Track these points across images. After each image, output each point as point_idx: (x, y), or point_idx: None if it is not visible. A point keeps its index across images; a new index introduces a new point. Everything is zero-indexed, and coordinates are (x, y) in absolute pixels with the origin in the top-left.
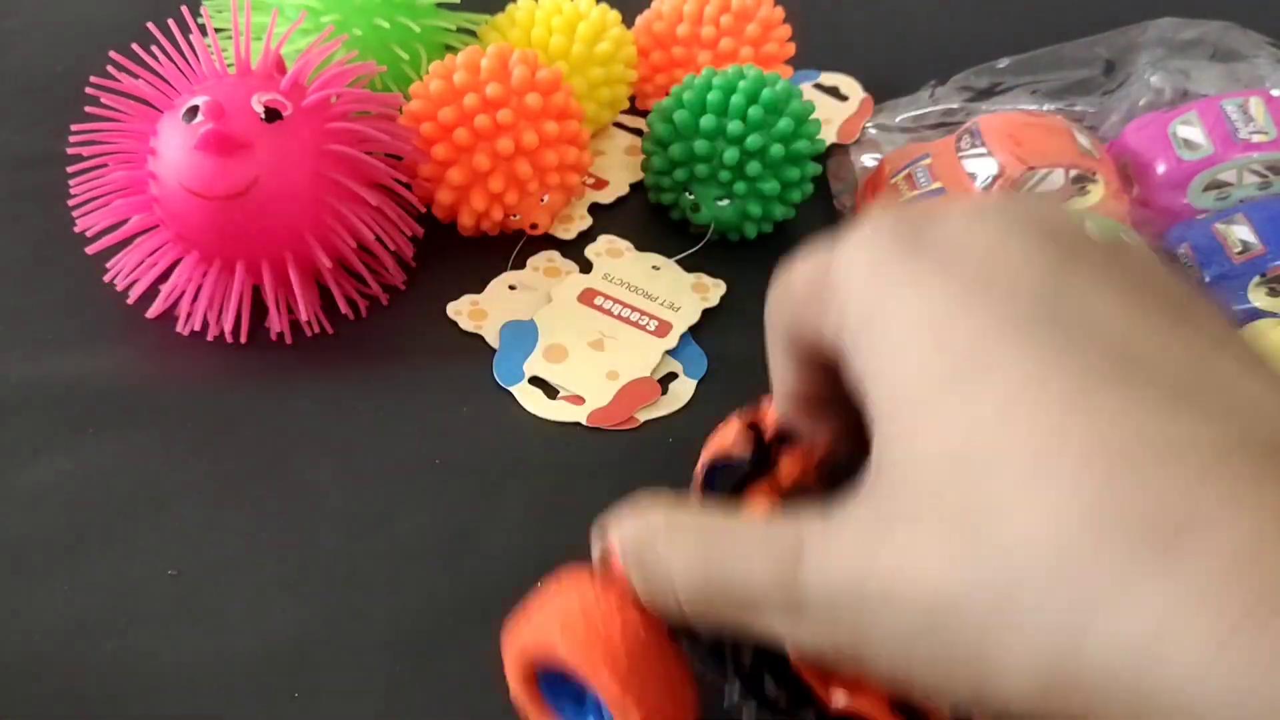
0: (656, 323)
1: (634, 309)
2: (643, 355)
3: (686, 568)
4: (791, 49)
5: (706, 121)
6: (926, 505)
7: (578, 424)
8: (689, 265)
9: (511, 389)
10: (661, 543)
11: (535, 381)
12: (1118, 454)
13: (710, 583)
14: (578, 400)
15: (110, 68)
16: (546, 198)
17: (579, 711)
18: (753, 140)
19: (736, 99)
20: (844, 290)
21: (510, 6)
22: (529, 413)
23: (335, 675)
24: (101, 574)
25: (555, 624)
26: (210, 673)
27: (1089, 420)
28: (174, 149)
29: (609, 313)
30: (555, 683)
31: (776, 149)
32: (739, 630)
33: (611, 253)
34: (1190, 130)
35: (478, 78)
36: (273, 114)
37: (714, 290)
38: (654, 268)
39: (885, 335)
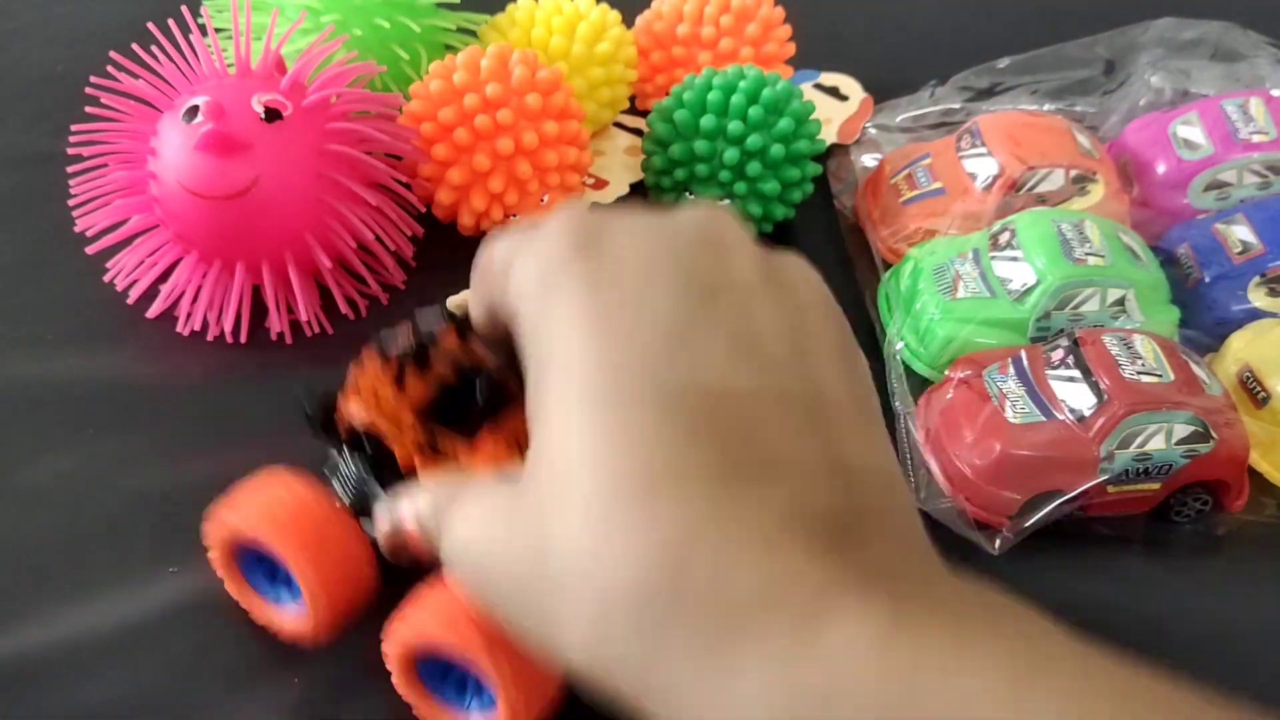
0: None
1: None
2: None
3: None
4: (792, 49)
5: (707, 121)
6: (533, 507)
7: None
8: None
9: None
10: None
11: None
12: (690, 536)
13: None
14: None
15: (110, 68)
16: (546, 198)
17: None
18: (753, 140)
19: (737, 99)
20: (516, 295)
21: (510, 7)
22: None
23: (332, 666)
24: (102, 573)
25: (258, 512)
26: (211, 665)
27: (673, 505)
28: (174, 149)
29: None
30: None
31: (777, 149)
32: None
33: None
34: (1190, 130)
35: (478, 78)
36: (273, 114)
37: None
38: None
39: (546, 346)
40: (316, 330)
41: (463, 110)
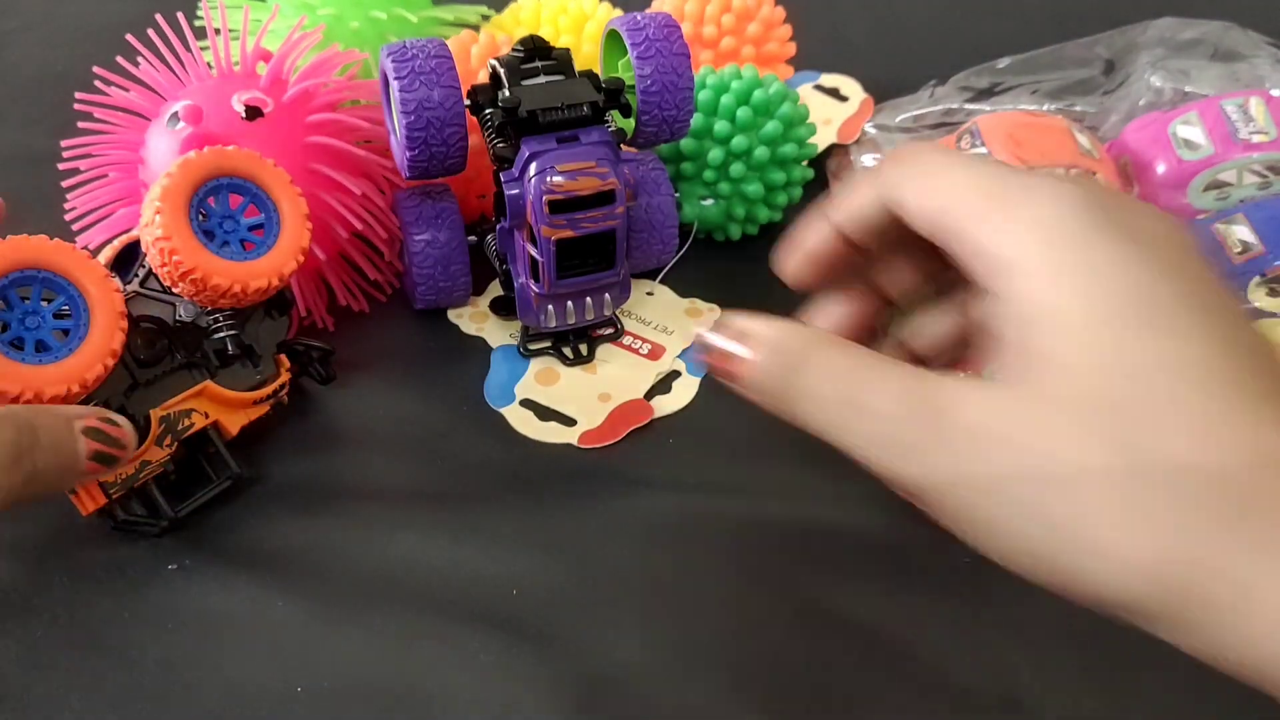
0: (649, 346)
1: (626, 333)
2: (635, 378)
3: (831, 389)
4: (793, 49)
5: (695, 120)
6: (1078, 401)
7: (569, 445)
8: (681, 288)
9: (502, 410)
10: (807, 362)
11: (526, 404)
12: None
13: (846, 405)
14: (568, 421)
15: (98, 82)
16: None
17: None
18: (738, 141)
19: (726, 99)
20: (1032, 212)
21: (514, 6)
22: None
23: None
24: (103, 572)
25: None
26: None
27: (1246, 410)
28: (161, 155)
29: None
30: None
31: (761, 151)
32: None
33: None
34: (1190, 130)
35: (468, 66)
36: (254, 112)
37: (708, 314)
38: (647, 293)
39: (1072, 269)
40: (320, 325)
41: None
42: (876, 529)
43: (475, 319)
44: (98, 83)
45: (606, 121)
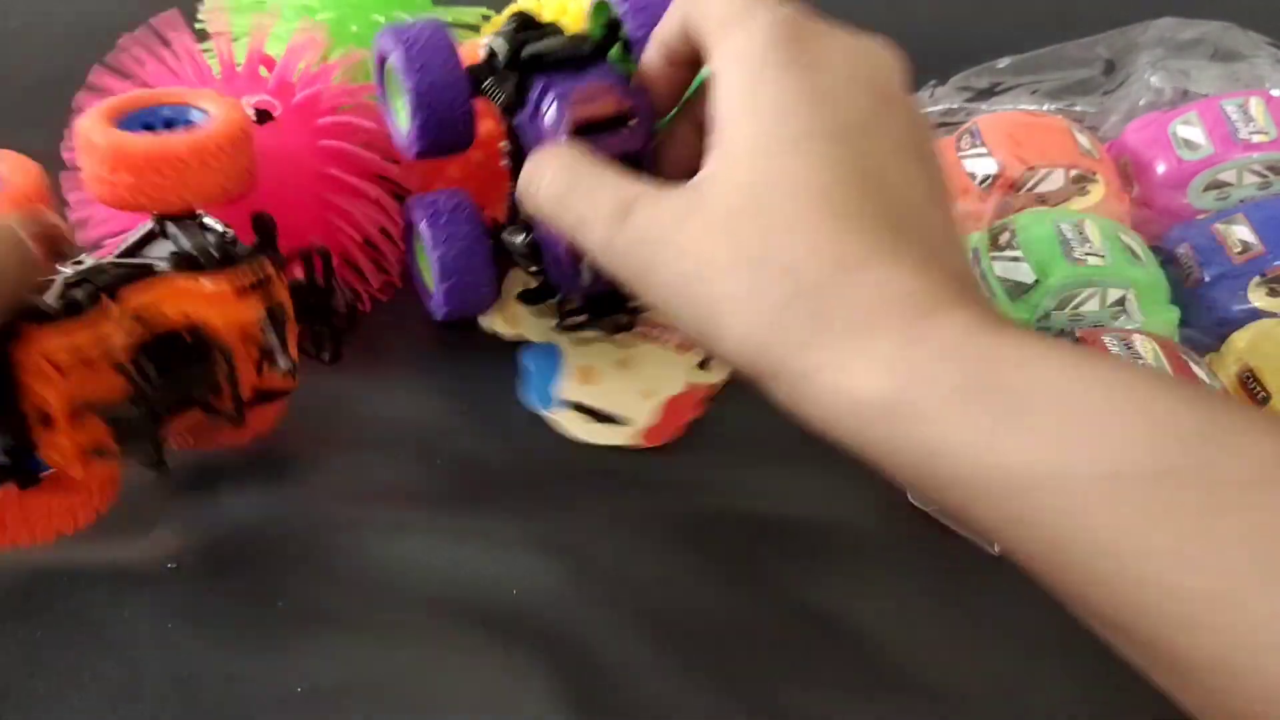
0: (679, 335)
1: (650, 324)
2: (672, 370)
3: (553, 182)
4: None
5: None
6: (723, 212)
7: (623, 446)
8: None
9: (549, 414)
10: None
11: (571, 405)
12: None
13: (564, 197)
14: (621, 421)
15: (99, 82)
16: None
17: None
18: None
19: None
20: (740, 41)
21: (513, 6)
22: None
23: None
24: (103, 570)
25: None
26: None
27: (866, 209)
28: None
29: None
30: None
31: None
32: (571, 234)
33: None
34: (1190, 130)
35: None
36: (263, 115)
37: None
38: None
39: (750, 96)
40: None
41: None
42: (874, 530)
43: (483, 316)
44: (99, 83)
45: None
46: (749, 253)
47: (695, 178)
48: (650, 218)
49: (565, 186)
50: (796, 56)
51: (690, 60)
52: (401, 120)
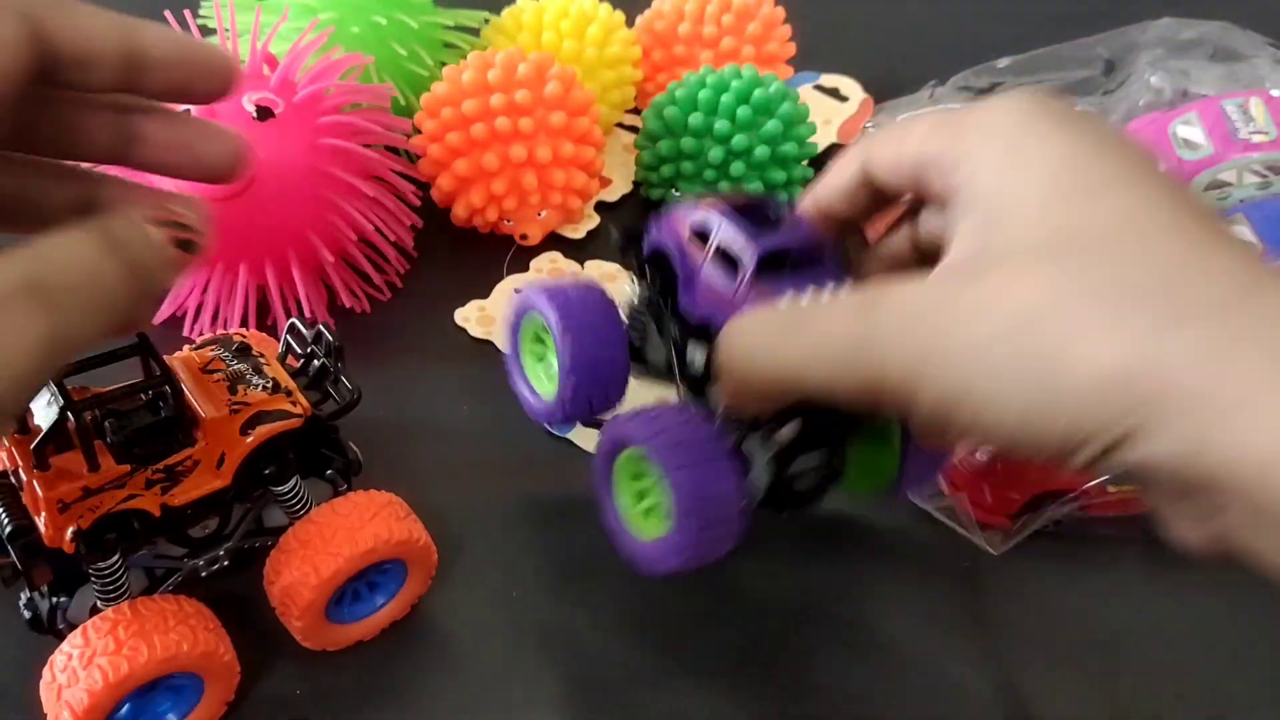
0: None
1: None
2: None
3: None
4: (792, 48)
5: (695, 119)
6: (1036, 254)
7: None
8: None
9: (570, 437)
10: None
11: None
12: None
13: (780, 340)
14: None
15: None
16: (544, 213)
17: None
18: (739, 140)
19: (727, 98)
20: (979, 122)
21: (514, 8)
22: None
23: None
24: None
25: None
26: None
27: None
28: None
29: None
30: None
31: (762, 150)
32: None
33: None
34: (1190, 130)
35: (512, 78)
36: (265, 112)
37: None
38: None
39: (1020, 154)
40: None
41: (487, 106)
42: (879, 529)
43: (482, 322)
44: None
45: None
46: (1103, 280)
47: (949, 255)
48: (911, 296)
49: (777, 329)
50: (1059, 118)
51: (855, 209)
52: (542, 384)
